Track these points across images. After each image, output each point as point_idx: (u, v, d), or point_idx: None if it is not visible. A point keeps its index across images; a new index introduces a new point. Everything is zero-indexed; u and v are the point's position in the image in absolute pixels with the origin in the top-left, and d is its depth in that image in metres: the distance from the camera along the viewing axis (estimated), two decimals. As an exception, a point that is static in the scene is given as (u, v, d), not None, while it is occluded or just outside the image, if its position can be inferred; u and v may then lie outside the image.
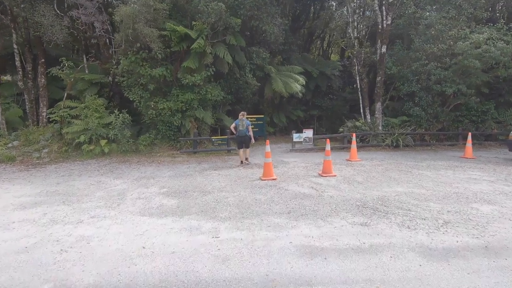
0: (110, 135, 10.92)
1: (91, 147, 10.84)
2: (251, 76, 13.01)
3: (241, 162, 9.23)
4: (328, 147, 7.89)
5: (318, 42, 24.65)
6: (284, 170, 8.52)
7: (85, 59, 12.62)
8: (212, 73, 11.28)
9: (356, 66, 13.48)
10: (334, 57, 25.52)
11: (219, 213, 5.16)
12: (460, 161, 10.10)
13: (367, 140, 12.97)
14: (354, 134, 10.29)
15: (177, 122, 11.26)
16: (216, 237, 4.19)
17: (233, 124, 8.88)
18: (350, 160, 9.97)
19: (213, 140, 11.35)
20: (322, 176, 7.76)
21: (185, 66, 10.83)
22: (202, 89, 11.37)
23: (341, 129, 13.35)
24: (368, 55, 13.22)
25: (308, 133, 12.01)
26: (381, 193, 6.24)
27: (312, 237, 4.16)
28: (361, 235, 4.22)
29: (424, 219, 4.79)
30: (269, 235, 4.25)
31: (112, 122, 11.05)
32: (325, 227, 4.51)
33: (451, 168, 8.83)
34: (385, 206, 5.43)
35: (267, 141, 7.54)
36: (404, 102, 13.84)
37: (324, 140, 13.74)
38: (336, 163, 9.38)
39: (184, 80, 10.78)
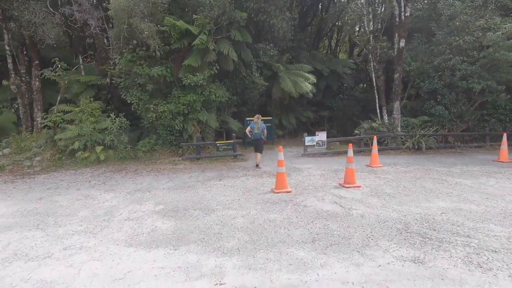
0: (106, 141, 9.89)
1: (86, 154, 9.81)
2: (258, 75, 11.89)
3: (257, 165, 8.79)
4: (350, 153, 6.71)
5: (326, 41, 23.46)
6: (298, 180, 7.36)
7: (80, 60, 11.63)
8: (216, 72, 10.18)
9: (372, 63, 12.26)
10: (342, 56, 24.28)
11: (224, 241, 4.01)
12: (496, 165, 8.81)
13: (385, 142, 11.72)
14: (375, 137, 9.08)
15: (178, 126, 10.18)
16: (220, 284, 3.05)
17: (248, 128, 8.66)
18: (371, 166, 8.75)
19: (218, 145, 10.23)
20: (344, 187, 6.58)
21: (186, 65, 9.75)
22: (206, 90, 10.28)
23: (356, 131, 12.12)
24: (385, 50, 11.97)
25: (321, 136, 10.83)
26: (422, 211, 5.03)
27: (353, 283, 2.99)
28: (419, 279, 3.03)
29: (495, 251, 3.58)
30: (292, 279, 3.10)
31: (108, 127, 10.02)
32: (366, 265, 3.33)
33: (491, 175, 7.56)
34: (435, 230, 4.23)
35: (280, 147, 6.40)
36: (425, 100, 12.55)
37: (337, 143, 12.62)
38: (357, 170, 8.16)
39: (186, 80, 9.70)
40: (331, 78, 15.72)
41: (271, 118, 13.18)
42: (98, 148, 9.89)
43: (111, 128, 9.92)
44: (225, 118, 12.02)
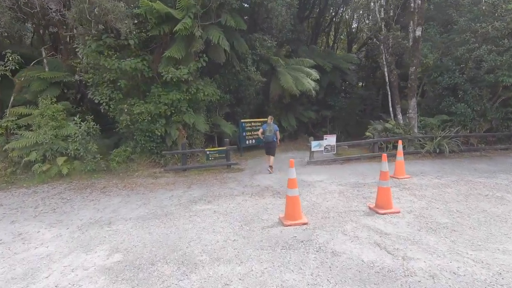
0: (69, 150, 7.85)
1: (45, 168, 7.75)
2: (254, 69, 9.97)
3: (270, 166, 7.93)
4: (385, 167, 4.84)
5: (324, 38, 21.66)
6: (312, 201, 5.47)
7: (43, 53, 9.52)
8: (204, 65, 8.21)
9: (383, 55, 10.46)
10: (339, 53, 22.53)
11: None
12: (546, 174, 7.09)
13: (402, 146, 9.91)
14: (400, 141, 7.24)
15: (160, 130, 8.19)
16: None
17: (261, 129, 8.04)
18: (397, 178, 6.93)
19: (208, 153, 8.27)
20: (378, 213, 4.71)
21: (167, 56, 7.77)
22: (192, 87, 8.32)
23: (368, 133, 10.30)
24: (399, 40, 10.18)
25: (330, 140, 8.97)
26: (518, 261, 3.19)
27: None
28: None
29: None
30: None
31: (73, 133, 7.97)
32: None
33: (555, 189, 5.80)
34: None
35: (291, 161, 4.49)
36: (443, 97, 10.81)
37: (346, 147, 10.75)
38: (376, 183, 6.37)
39: (167, 75, 7.71)
40: (334, 74, 13.90)
41: (269, 119, 11.27)
42: (60, 160, 7.85)
43: (75, 134, 7.87)
44: (216, 120, 10.07)
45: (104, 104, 7.93)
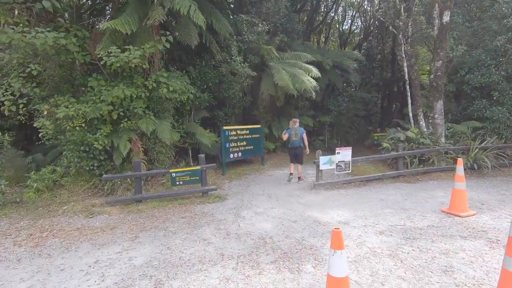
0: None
1: None
2: (241, 60, 7.37)
3: (290, 173, 6.85)
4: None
5: (316, 37, 19.52)
6: (353, 281, 2.86)
7: None
8: (168, 46, 5.49)
9: (403, 45, 8.14)
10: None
11: None
12: None
13: (431, 160, 7.57)
14: (460, 160, 4.78)
15: (101, 142, 5.38)
16: None
17: (286, 134, 6.79)
18: (457, 215, 4.46)
19: (174, 175, 5.51)
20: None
21: (110, 31, 5.03)
22: (150, 79, 5.60)
23: (385, 144, 7.89)
24: (423, 26, 7.91)
25: (344, 154, 6.45)
26: None
27: None
28: None
29: None
30: None
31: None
32: None
33: None
34: None
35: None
36: (471, 99, 8.65)
37: (358, 163, 8.09)
38: (433, 224, 3.92)
39: (108, 60, 4.95)
40: (334, 74, 11.54)
41: (259, 126, 8.68)
42: None
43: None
44: (190, 128, 7.34)
45: (7, 102, 5.02)
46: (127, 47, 5.05)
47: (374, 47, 15.17)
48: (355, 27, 20.60)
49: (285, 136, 6.78)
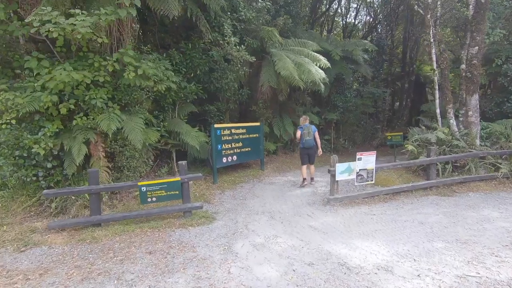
0: None
1: None
2: (237, 42, 5.87)
3: (304, 179, 5.94)
4: None
5: (318, 29, 18.04)
6: None
7: None
8: (134, 13, 3.98)
9: (431, 28, 6.67)
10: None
11: None
12: None
13: (467, 167, 6.15)
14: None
15: (43, 145, 3.88)
16: None
17: (298, 132, 5.91)
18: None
19: (144, 189, 4.03)
20: None
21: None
22: (110, 58, 4.10)
23: (410, 147, 6.45)
24: (458, 5, 6.45)
25: (367, 160, 5.01)
26: None
27: None
28: None
29: None
30: None
31: None
32: None
33: None
34: None
35: None
36: (510, 93, 7.23)
37: (381, 171, 6.50)
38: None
39: (43, 28, 3.43)
40: (343, 66, 10.08)
41: (258, 124, 7.21)
42: None
43: None
44: (174, 126, 5.84)
45: None
46: (77, 11, 3.54)
47: (383, 38, 13.69)
48: (358, 20, 19.29)
49: (298, 134, 6.00)
